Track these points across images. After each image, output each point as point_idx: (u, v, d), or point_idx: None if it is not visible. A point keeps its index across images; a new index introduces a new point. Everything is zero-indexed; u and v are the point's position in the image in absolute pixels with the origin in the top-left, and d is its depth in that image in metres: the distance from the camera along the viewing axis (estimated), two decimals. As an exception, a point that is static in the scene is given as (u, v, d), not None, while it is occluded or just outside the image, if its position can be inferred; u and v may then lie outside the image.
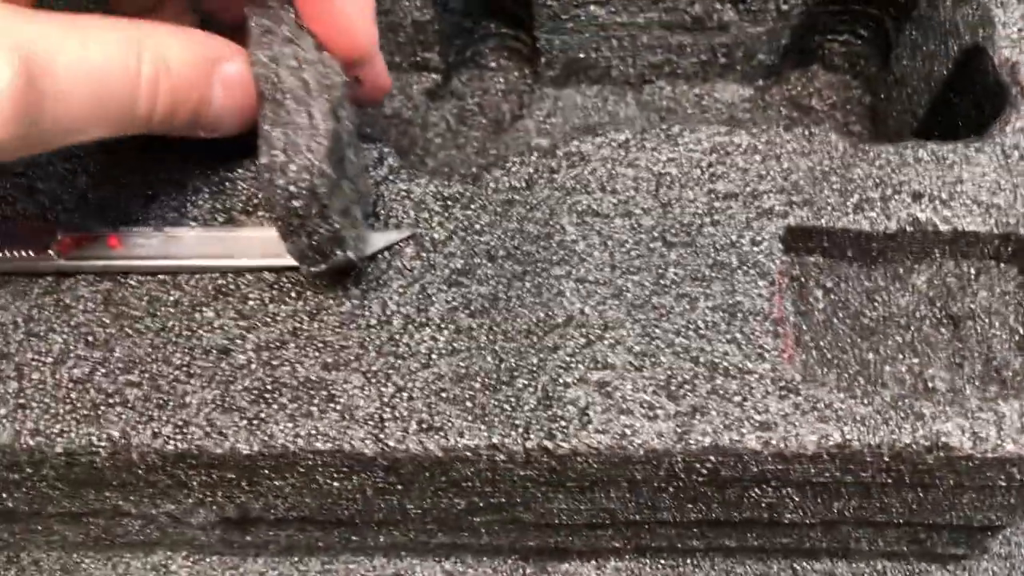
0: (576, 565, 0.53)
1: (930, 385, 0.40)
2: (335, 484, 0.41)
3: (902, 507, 0.43)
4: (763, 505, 0.43)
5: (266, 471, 0.40)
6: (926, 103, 0.50)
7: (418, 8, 0.58)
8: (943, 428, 0.36)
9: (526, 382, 0.38)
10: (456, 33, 0.62)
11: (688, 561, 0.52)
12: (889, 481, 0.39)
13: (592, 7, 0.58)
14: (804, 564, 0.52)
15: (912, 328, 0.41)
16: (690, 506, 0.43)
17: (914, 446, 0.36)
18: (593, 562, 0.53)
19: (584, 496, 0.42)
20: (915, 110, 0.52)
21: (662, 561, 0.52)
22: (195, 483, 0.41)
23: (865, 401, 0.37)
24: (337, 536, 0.49)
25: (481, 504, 0.43)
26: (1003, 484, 0.39)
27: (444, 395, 0.38)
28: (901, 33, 0.54)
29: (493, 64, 0.65)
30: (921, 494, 0.41)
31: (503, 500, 0.43)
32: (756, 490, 0.41)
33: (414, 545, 0.51)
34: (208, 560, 0.53)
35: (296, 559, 0.53)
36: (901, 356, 0.41)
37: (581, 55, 0.61)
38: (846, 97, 0.63)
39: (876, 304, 0.42)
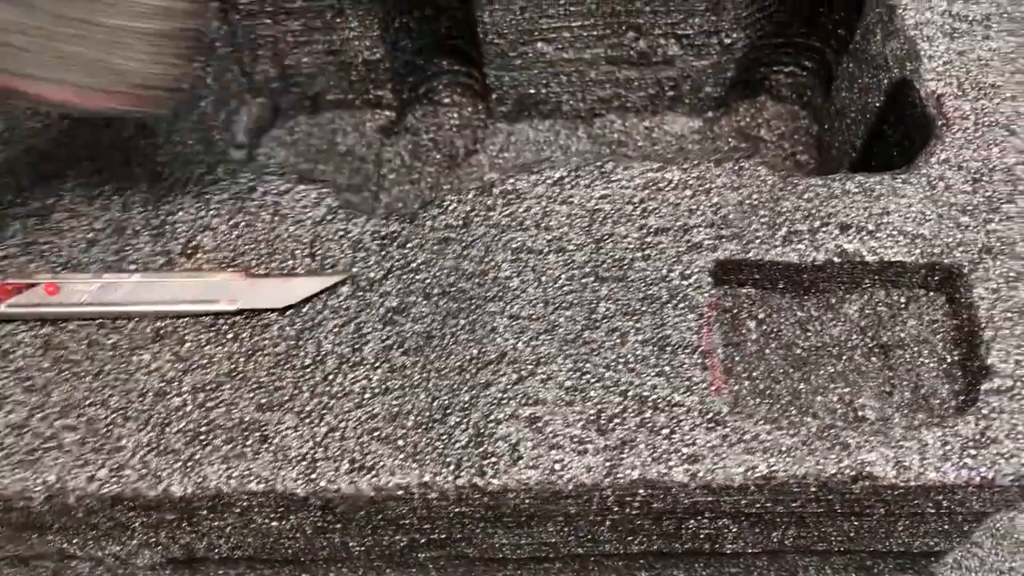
0: (530, 598, 0.53)
1: (860, 414, 0.40)
2: (274, 524, 0.41)
3: (840, 536, 0.43)
4: (702, 536, 0.43)
5: (204, 511, 0.40)
6: (863, 134, 0.51)
7: (368, 48, 0.59)
8: (867, 458, 0.37)
9: (458, 419, 0.39)
10: (408, 71, 0.63)
11: None
12: (821, 511, 0.40)
13: (540, 44, 0.59)
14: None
15: (843, 357, 0.42)
16: (630, 538, 0.44)
17: (839, 476, 0.37)
18: None
19: (523, 530, 0.42)
20: (853, 141, 0.53)
21: None
22: (136, 524, 0.42)
23: (791, 432, 0.38)
24: (287, 574, 0.49)
25: (423, 540, 0.44)
26: (932, 511, 0.39)
27: (377, 434, 0.38)
28: (840, 65, 0.55)
29: (447, 100, 0.65)
30: (856, 523, 0.41)
31: (444, 536, 0.43)
32: (692, 521, 0.41)
33: None
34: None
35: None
36: (832, 385, 0.41)
37: (531, 91, 0.62)
38: (794, 127, 0.64)
39: (809, 334, 0.43)
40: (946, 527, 0.42)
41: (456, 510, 0.39)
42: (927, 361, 0.41)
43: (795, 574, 0.49)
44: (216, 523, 0.41)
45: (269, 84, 0.60)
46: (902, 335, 0.42)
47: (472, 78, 0.64)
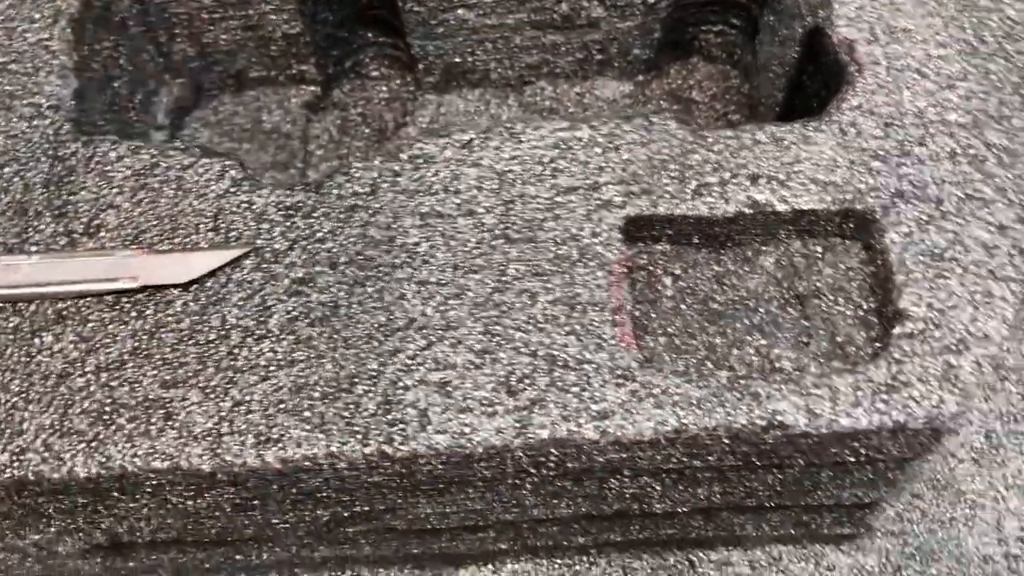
0: (473, 570, 0.52)
1: (777, 365, 0.40)
2: (189, 503, 0.40)
3: (767, 491, 0.43)
4: (627, 496, 0.43)
5: (115, 493, 0.39)
6: (783, 86, 0.51)
7: (286, 21, 0.57)
8: (778, 407, 0.36)
9: (366, 388, 0.38)
10: (331, 44, 0.62)
11: (584, 559, 0.52)
12: (740, 464, 0.39)
13: (460, 11, 0.58)
14: (700, 554, 0.52)
15: (760, 309, 0.41)
16: (556, 502, 0.43)
17: (750, 426, 0.36)
18: (489, 566, 0.52)
19: (445, 498, 0.42)
20: (776, 95, 0.52)
21: (557, 561, 0.52)
22: (51, 510, 0.41)
23: (701, 385, 0.37)
24: (222, 556, 0.49)
25: (346, 514, 0.43)
26: (852, 459, 0.39)
27: (283, 407, 0.38)
28: (762, 18, 0.55)
29: (375, 73, 0.64)
30: (780, 476, 0.41)
31: (367, 509, 0.42)
32: (613, 481, 0.41)
33: (302, 560, 0.51)
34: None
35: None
36: (749, 338, 0.41)
37: (457, 59, 0.61)
38: (725, 87, 0.63)
39: (726, 288, 0.42)
40: (871, 476, 0.41)
41: (370, 480, 0.39)
42: (843, 309, 0.41)
43: (732, 532, 0.49)
44: (131, 505, 0.40)
45: (188, 63, 0.59)
46: (819, 284, 0.41)
47: (398, 49, 0.63)
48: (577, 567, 0.52)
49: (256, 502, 0.41)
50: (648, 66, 0.63)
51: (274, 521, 0.43)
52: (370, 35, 0.63)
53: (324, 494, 0.40)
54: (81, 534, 0.43)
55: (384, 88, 0.64)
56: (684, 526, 0.48)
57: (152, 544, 0.47)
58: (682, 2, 0.59)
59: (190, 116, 0.62)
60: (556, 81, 0.63)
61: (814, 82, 0.48)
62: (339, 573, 0.52)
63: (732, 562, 0.52)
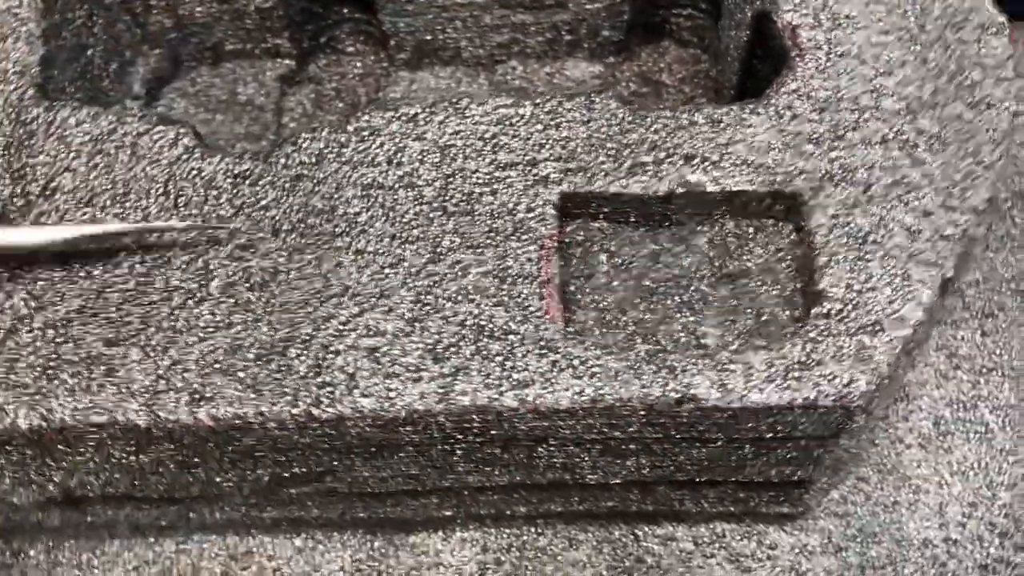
0: (423, 536, 0.54)
1: (702, 342, 0.41)
2: (132, 458, 0.42)
3: (693, 464, 0.44)
4: (557, 465, 0.44)
5: (60, 446, 0.41)
6: (737, 70, 0.51)
7: (259, -5, 0.59)
8: (692, 381, 0.37)
9: (298, 351, 0.39)
10: (306, 19, 0.63)
11: (531, 529, 0.53)
12: (660, 436, 0.40)
13: (430, -12, 0.59)
14: (645, 529, 0.53)
15: (691, 288, 0.42)
16: (489, 469, 0.44)
17: (664, 399, 0.37)
18: (440, 533, 0.54)
19: (379, 462, 0.43)
20: (732, 78, 0.53)
21: (505, 530, 0.53)
22: (2, 461, 0.42)
23: (620, 357, 0.38)
24: (175, 515, 0.50)
25: (286, 475, 0.44)
26: (770, 436, 0.40)
27: (218, 367, 0.39)
28: (724, 2, 0.55)
29: (350, 49, 0.66)
30: (704, 450, 0.42)
31: (305, 470, 0.44)
32: (541, 449, 0.42)
33: (254, 522, 0.52)
34: (65, 545, 0.54)
35: (151, 540, 0.54)
36: (678, 315, 0.42)
37: (428, 37, 0.62)
38: (695, 71, 0.63)
39: (660, 266, 0.43)
40: (794, 454, 0.42)
41: (303, 441, 0.40)
42: (770, 289, 0.42)
43: (672, 507, 0.50)
44: (77, 458, 0.42)
45: (166, 35, 0.61)
46: (748, 264, 0.42)
47: (372, 26, 0.64)
48: (524, 536, 0.53)
49: (197, 460, 0.42)
50: (619, 48, 0.63)
51: (217, 479, 0.45)
52: (345, 11, 0.64)
53: (261, 454, 0.42)
54: (34, 486, 0.45)
55: (359, 64, 0.65)
56: (624, 499, 0.49)
57: (105, 499, 0.48)
58: (651, -16, 0.60)
59: (168, 87, 0.63)
60: (527, 61, 0.64)
61: (764, 66, 0.49)
62: (293, 536, 0.53)
63: (676, 537, 0.53)
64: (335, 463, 0.43)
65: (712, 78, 0.63)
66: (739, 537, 0.52)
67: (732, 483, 0.47)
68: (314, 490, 0.46)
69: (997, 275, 0.56)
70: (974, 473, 0.51)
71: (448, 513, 0.51)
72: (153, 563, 0.52)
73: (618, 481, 0.46)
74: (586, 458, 0.43)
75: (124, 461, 0.42)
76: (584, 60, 0.64)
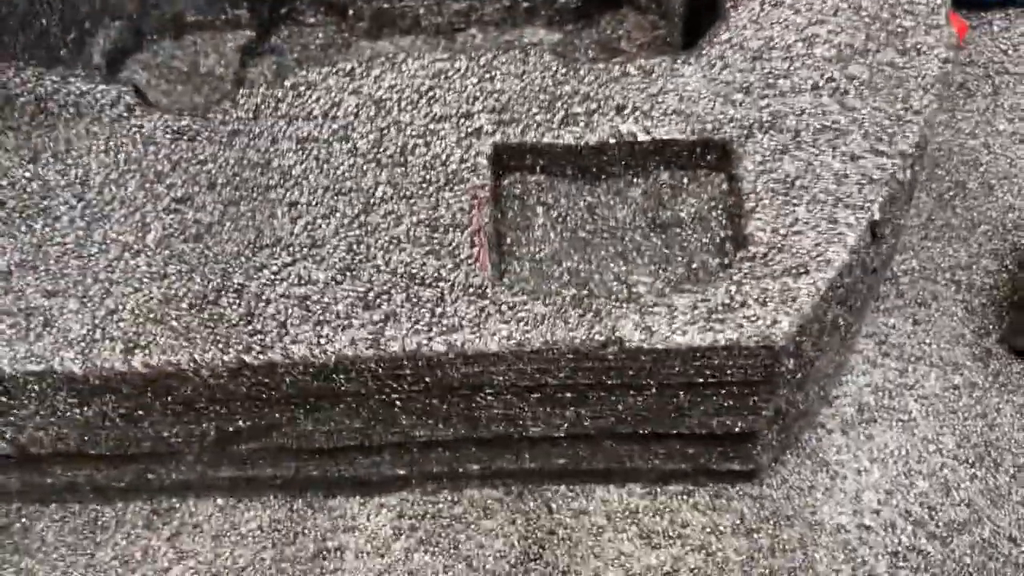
0: (384, 499, 0.54)
1: (635, 290, 0.41)
2: (76, 411, 0.43)
3: (632, 415, 0.44)
4: (498, 417, 0.44)
5: (3, 398, 0.41)
6: (681, 30, 0.52)
7: (216, -35, 0.59)
8: (617, 324, 0.38)
9: (231, 300, 0.40)
10: (266, -11, 0.63)
11: (447, 496, 0.52)
12: (592, 382, 0.41)
13: (385, -44, 0.59)
14: (559, 501, 0.52)
15: (625, 238, 0.42)
16: (431, 422, 0.45)
17: (589, 342, 0.38)
18: (401, 493, 0.53)
19: (320, 414, 0.44)
20: (679, 39, 0.53)
21: (423, 497, 0.53)
22: None
23: (547, 303, 0.38)
24: (133, 474, 0.51)
25: (231, 429, 0.45)
26: (700, 380, 0.40)
27: (152, 316, 0.40)
28: (671, -36, 0.55)
29: (311, 20, 0.66)
30: (640, 398, 0.42)
31: (249, 423, 0.44)
32: (479, 398, 0.42)
33: (212, 482, 0.52)
34: (27, 509, 0.54)
35: (104, 500, 0.54)
36: (611, 265, 0.42)
37: (386, 6, 0.62)
38: (653, 36, 0.64)
39: (596, 217, 0.43)
40: (730, 403, 0.43)
41: (239, 390, 0.41)
42: (702, 237, 0.42)
43: (621, 462, 0.50)
44: (22, 412, 0.43)
45: (127, 6, 0.61)
46: (682, 214, 0.42)
47: (333, -4, 0.64)
48: (440, 504, 0.53)
49: (141, 413, 0.43)
50: (578, 15, 0.64)
51: (165, 434, 0.45)
52: (305, -19, 0.65)
53: (201, 405, 0.42)
54: None
55: (320, 34, 0.66)
56: (575, 455, 0.49)
57: (60, 457, 0.49)
58: (604, -51, 0.60)
59: (129, 58, 0.64)
60: (486, 29, 0.64)
61: (705, 22, 0.49)
62: (252, 499, 0.54)
63: (589, 511, 0.52)
64: (277, 415, 0.44)
65: (670, 44, 0.63)
66: (651, 513, 0.52)
67: (677, 437, 0.47)
68: (264, 446, 0.47)
69: (934, 264, 0.56)
70: (893, 461, 0.50)
71: (401, 472, 0.51)
72: (79, 515, 0.52)
73: (561, 435, 0.46)
74: (525, 408, 0.43)
75: (69, 414, 0.43)
76: (543, 28, 0.64)
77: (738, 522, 0.51)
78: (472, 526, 0.52)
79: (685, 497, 0.52)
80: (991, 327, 0.56)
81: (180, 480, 0.52)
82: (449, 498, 0.53)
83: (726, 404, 0.43)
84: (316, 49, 0.66)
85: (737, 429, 0.45)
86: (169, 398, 0.41)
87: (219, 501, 0.52)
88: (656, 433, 0.46)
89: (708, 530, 0.51)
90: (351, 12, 0.63)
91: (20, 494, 0.53)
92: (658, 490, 0.53)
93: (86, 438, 0.46)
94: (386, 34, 0.65)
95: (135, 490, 0.53)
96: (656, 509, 0.52)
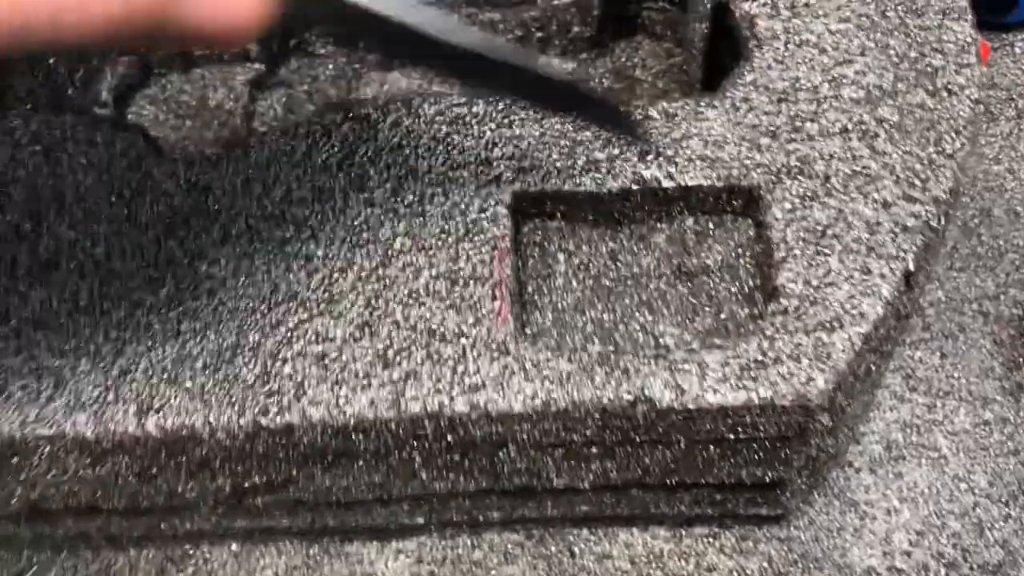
0: (402, 544, 0.53)
1: (661, 342, 0.40)
2: (89, 471, 0.42)
3: (659, 467, 0.43)
4: (522, 471, 0.43)
5: (14, 459, 0.40)
6: (701, 63, 0.50)
7: (224, 0, 0.58)
8: (646, 382, 0.37)
9: (246, 359, 0.39)
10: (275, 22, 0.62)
11: (467, 541, 0.51)
12: (620, 439, 0.39)
13: (395, -12, 0.58)
14: (581, 546, 0.51)
15: (650, 286, 0.41)
16: (452, 476, 0.44)
17: (618, 401, 0.37)
18: (421, 537, 0.52)
19: (338, 471, 0.42)
20: (698, 72, 0.52)
21: (441, 542, 0.52)
22: None
23: (573, 359, 0.37)
24: (145, 526, 0.50)
25: (246, 484, 0.44)
26: (732, 436, 0.39)
27: (166, 376, 0.39)
28: (689, -6, 0.54)
29: (321, 51, 0.65)
30: (666, 452, 0.41)
31: (265, 480, 0.43)
32: (502, 454, 0.41)
33: (227, 531, 0.51)
34: (38, 557, 0.53)
35: (117, 548, 0.53)
36: (636, 314, 0.41)
37: (397, 37, 0.61)
38: (668, 65, 0.62)
39: (619, 265, 0.42)
40: (761, 455, 0.41)
41: (256, 450, 0.40)
42: (730, 286, 0.41)
43: (647, 510, 0.49)
44: (33, 472, 0.42)
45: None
46: (708, 261, 0.41)
47: (342, 27, 0.63)
48: (460, 549, 0.52)
49: (155, 471, 0.42)
50: (592, 43, 0.63)
51: (180, 490, 0.44)
52: (314, 13, 0.64)
53: (217, 464, 0.41)
54: None
55: (330, 65, 0.65)
56: (600, 503, 0.48)
57: (73, 511, 0.48)
58: (619, -22, 0.59)
59: (139, 94, 0.63)
60: (498, 59, 0.63)
61: (726, 59, 0.48)
62: (268, 545, 0.52)
63: (612, 555, 0.51)
64: (293, 472, 0.42)
65: (686, 72, 0.62)
66: (676, 557, 0.50)
67: (705, 485, 0.46)
68: (280, 499, 0.46)
69: (960, 295, 0.54)
70: (924, 500, 0.49)
71: (421, 520, 0.50)
72: (91, 563, 0.51)
73: (586, 486, 0.45)
74: (549, 462, 0.42)
75: (81, 473, 0.42)
76: (556, 57, 0.63)
77: (766, 565, 0.50)
78: (493, 572, 0.51)
79: (711, 540, 0.51)
80: (1021, 360, 0.54)
81: (195, 530, 0.51)
82: (469, 543, 0.52)
83: (757, 456, 0.41)
84: (326, 80, 0.65)
85: (767, 479, 0.44)
86: (184, 458, 0.40)
87: (234, 547, 0.50)
88: (683, 482, 0.45)
89: (735, 574, 0.50)
90: (361, 43, 0.61)
91: (31, 544, 0.52)
92: (683, 533, 0.51)
93: (98, 494, 0.45)
94: (397, 66, 0.64)
95: (148, 539, 0.52)
96: (681, 552, 0.50)
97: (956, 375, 0.53)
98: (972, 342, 0.54)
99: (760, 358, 0.37)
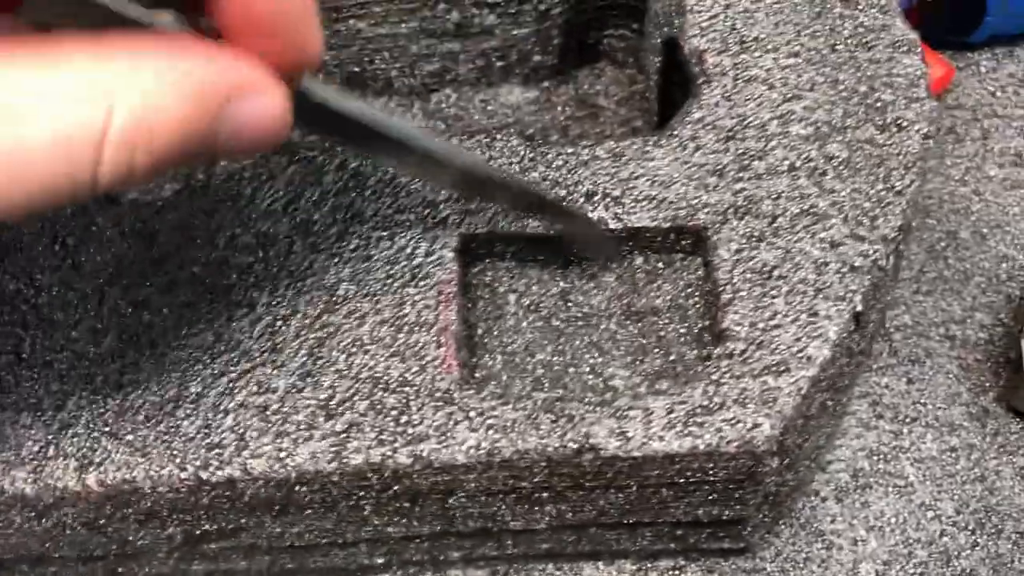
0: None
1: (610, 384, 0.39)
2: (36, 523, 0.41)
3: (614, 509, 0.42)
4: (475, 515, 0.42)
5: None
6: (656, 98, 0.50)
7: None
8: (591, 430, 0.36)
9: (187, 412, 0.38)
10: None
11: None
12: (570, 484, 0.39)
13: (352, 21, 0.57)
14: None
15: (600, 327, 0.41)
16: (405, 520, 0.43)
17: (563, 450, 0.36)
18: None
19: (287, 519, 0.42)
20: (655, 105, 0.52)
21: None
22: None
23: (517, 407, 0.37)
24: (103, 571, 0.49)
25: (197, 532, 0.43)
26: (682, 481, 0.38)
27: (107, 430, 0.38)
28: (644, 26, 0.54)
29: (283, 84, 0.64)
30: (618, 495, 0.41)
31: (215, 527, 0.43)
32: (452, 501, 0.41)
33: (173, 574, 0.51)
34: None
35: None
36: (587, 356, 0.40)
37: (356, 69, 0.61)
38: (631, 92, 0.62)
39: (570, 305, 0.42)
40: (715, 496, 0.41)
41: (200, 502, 0.39)
42: (679, 327, 0.40)
43: (609, 547, 0.49)
44: None
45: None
46: (658, 302, 0.41)
47: (302, 60, 0.63)
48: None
49: (102, 522, 0.41)
50: (554, 71, 0.62)
51: (130, 538, 0.44)
52: (274, 46, 0.63)
53: (164, 514, 0.41)
54: None
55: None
56: (560, 540, 0.48)
57: (26, 559, 0.47)
58: (578, 7, 0.58)
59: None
60: (460, 89, 0.63)
61: (678, 95, 0.47)
62: None
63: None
64: (242, 520, 0.42)
65: (648, 99, 0.62)
66: None
67: (664, 523, 0.45)
68: (234, 545, 0.45)
69: (927, 319, 0.54)
70: (890, 529, 0.49)
71: (380, 561, 0.50)
72: None
73: (543, 527, 0.44)
74: (502, 507, 0.42)
75: (27, 526, 0.41)
76: (518, 86, 0.63)
77: (731, 598, 0.49)
78: (466, 613, 0.50)
79: (676, 573, 0.50)
80: (988, 384, 0.54)
81: (152, 574, 0.50)
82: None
83: (712, 497, 0.41)
84: (288, 113, 0.64)
85: (725, 517, 0.44)
86: (130, 509, 0.40)
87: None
88: (641, 521, 0.44)
89: (702, 608, 0.49)
90: (320, 76, 0.61)
91: None
92: (648, 566, 0.51)
93: (47, 545, 0.44)
94: (359, 97, 0.63)
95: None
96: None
97: (923, 401, 0.53)
98: (939, 367, 0.54)
99: (706, 404, 0.36)
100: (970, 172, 0.60)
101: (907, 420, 0.52)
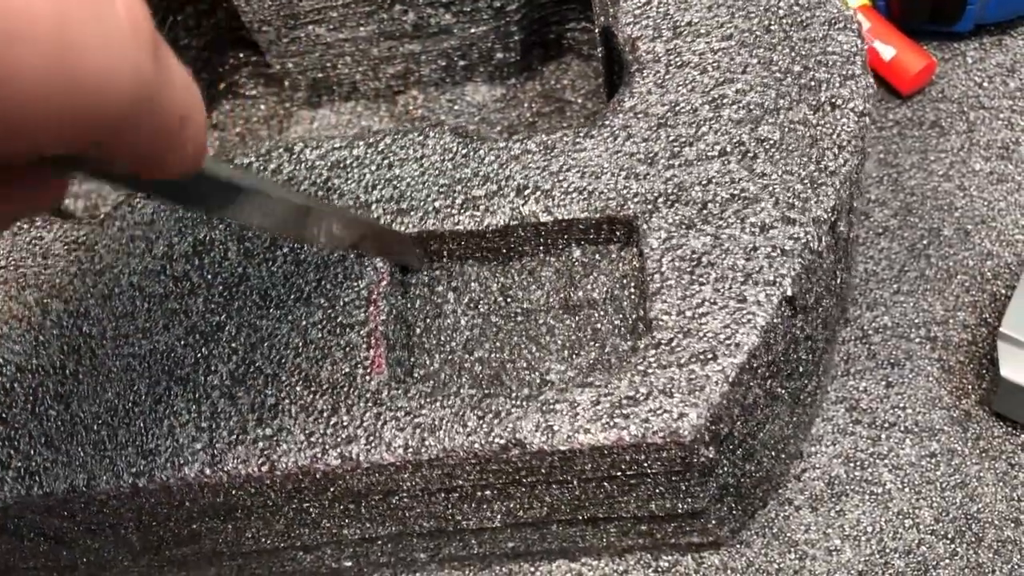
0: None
1: (547, 378, 0.39)
2: (-9, 535, 0.42)
3: (563, 505, 0.42)
4: (423, 515, 0.42)
5: None
6: (602, 88, 0.50)
7: (143, 49, 0.58)
8: (517, 425, 0.36)
9: (126, 423, 0.38)
10: (201, 67, 0.62)
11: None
12: (509, 480, 0.39)
13: (311, 27, 0.58)
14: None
15: (538, 321, 0.41)
16: (350, 522, 0.43)
17: (490, 446, 0.36)
18: None
19: (237, 523, 0.42)
20: (605, 96, 0.51)
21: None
22: None
23: (445, 405, 0.37)
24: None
25: (152, 539, 0.44)
26: (619, 473, 0.38)
27: (48, 442, 0.39)
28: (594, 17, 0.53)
29: (252, 92, 0.65)
30: (562, 490, 0.40)
31: (168, 534, 0.43)
32: (395, 500, 0.41)
33: None
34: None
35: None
36: (524, 351, 0.40)
37: (320, 75, 0.61)
38: (596, 85, 0.62)
39: (509, 301, 0.41)
40: (661, 489, 0.40)
41: (144, 508, 0.39)
42: (613, 319, 0.40)
43: (576, 544, 0.48)
44: None
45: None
46: (594, 294, 0.40)
47: (269, 67, 0.63)
48: None
49: (55, 532, 0.42)
50: (520, 68, 0.62)
51: (92, 544, 0.44)
52: (241, 55, 0.64)
53: (114, 522, 0.41)
54: None
55: (261, 106, 0.65)
56: (524, 540, 0.47)
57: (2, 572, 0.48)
58: (536, 2, 0.58)
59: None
60: (426, 89, 0.63)
61: (621, 83, 0.47)
62: None
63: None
64: (193, 527, 0.42)
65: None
66: None
67: (625, 519, 0.45)
68: (195, 551, 0.46)
69: (907, 320, 0.51)
70: (867, 538, 0.47)
71: (348, 563, 0.50)
72: None
73: (497, 524, 0.44)
74: (448, 506, 0.42)
75: None
76: (484, 84, 0.63)
77: (702, 609, 0.48)
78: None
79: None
80: (970, 387, 0.51)
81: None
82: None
83: (658, 491, 0.40)
84: (259, 121, 0.65)
85: (680, 511, 0.43)
86: (79, 517, 0.40)
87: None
88: (595, 516, 0.44)
89: (672, 613, 0.48)
90: (286, 83, 0.61)
91: None
92: (620, 564, 0.50)
93: (13, 560, 0.45)
94: (325, 102, 0.64)
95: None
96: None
97: (902, 405, 0.51)
98: (919, 370, 0.51)
99: (632, 395, 0.36)
100: (954, 167, 0.58)
101: (885, 425, 0.50)
